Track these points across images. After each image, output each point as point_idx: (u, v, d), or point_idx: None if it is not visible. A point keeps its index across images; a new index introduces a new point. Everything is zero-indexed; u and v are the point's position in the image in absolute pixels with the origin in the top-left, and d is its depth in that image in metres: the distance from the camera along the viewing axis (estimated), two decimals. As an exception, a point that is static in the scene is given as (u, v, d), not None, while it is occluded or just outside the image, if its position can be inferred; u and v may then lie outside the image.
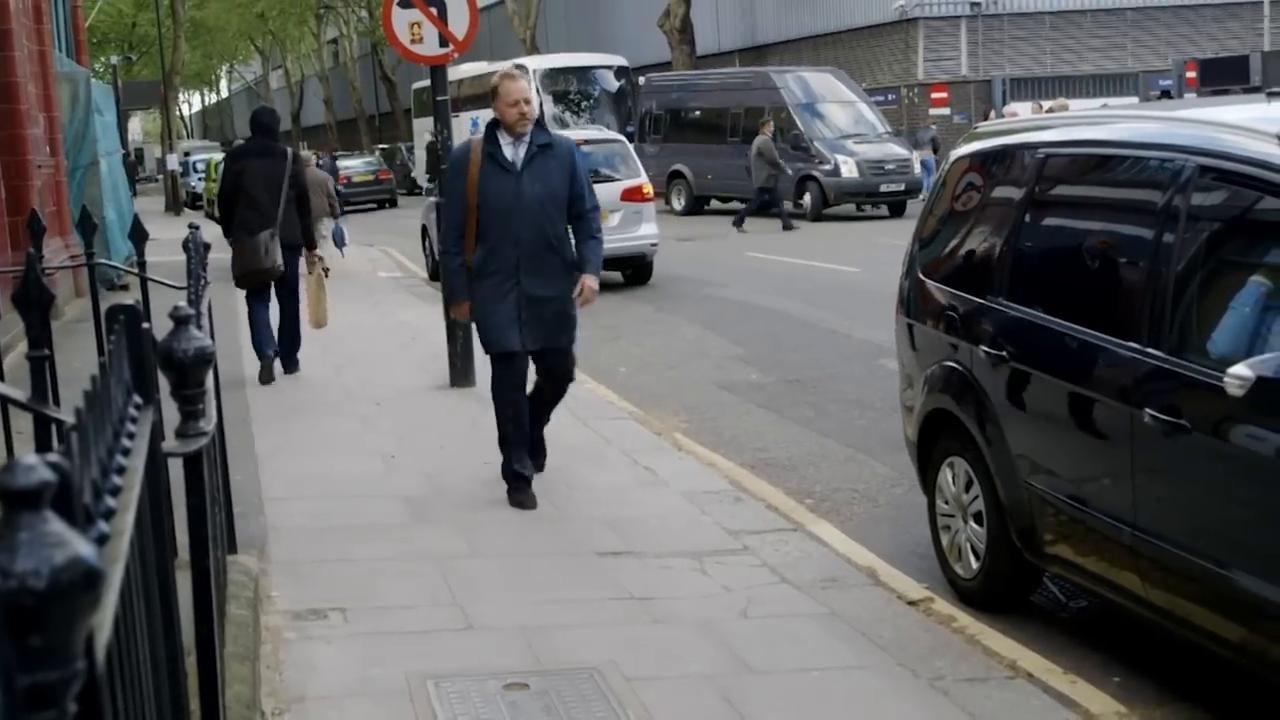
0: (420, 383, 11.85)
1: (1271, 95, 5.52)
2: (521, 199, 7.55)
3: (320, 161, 28.43)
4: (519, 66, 7.95)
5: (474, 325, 8.10)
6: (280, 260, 11.91)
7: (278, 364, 12.37)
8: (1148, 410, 4.83)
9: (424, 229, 20.80)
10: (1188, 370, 4.74)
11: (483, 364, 11.85)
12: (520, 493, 7.85)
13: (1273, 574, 4.42)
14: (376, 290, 19.74)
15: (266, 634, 5.82)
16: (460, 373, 11.54)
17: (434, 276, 18.85)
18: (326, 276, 13.25)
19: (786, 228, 27.22)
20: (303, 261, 12.56)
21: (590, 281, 7.72)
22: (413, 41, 11.40)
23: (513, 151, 7.65)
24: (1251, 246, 4.99)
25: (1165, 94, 30.35)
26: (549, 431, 8.46)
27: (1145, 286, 5.05)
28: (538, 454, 8.29)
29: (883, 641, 5.73)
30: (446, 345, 11.67)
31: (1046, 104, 28.87)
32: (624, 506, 7.82)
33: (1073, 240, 6.05)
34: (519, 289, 7.61)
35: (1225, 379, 4.25)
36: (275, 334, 12.34)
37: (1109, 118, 6.38)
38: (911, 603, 6.22)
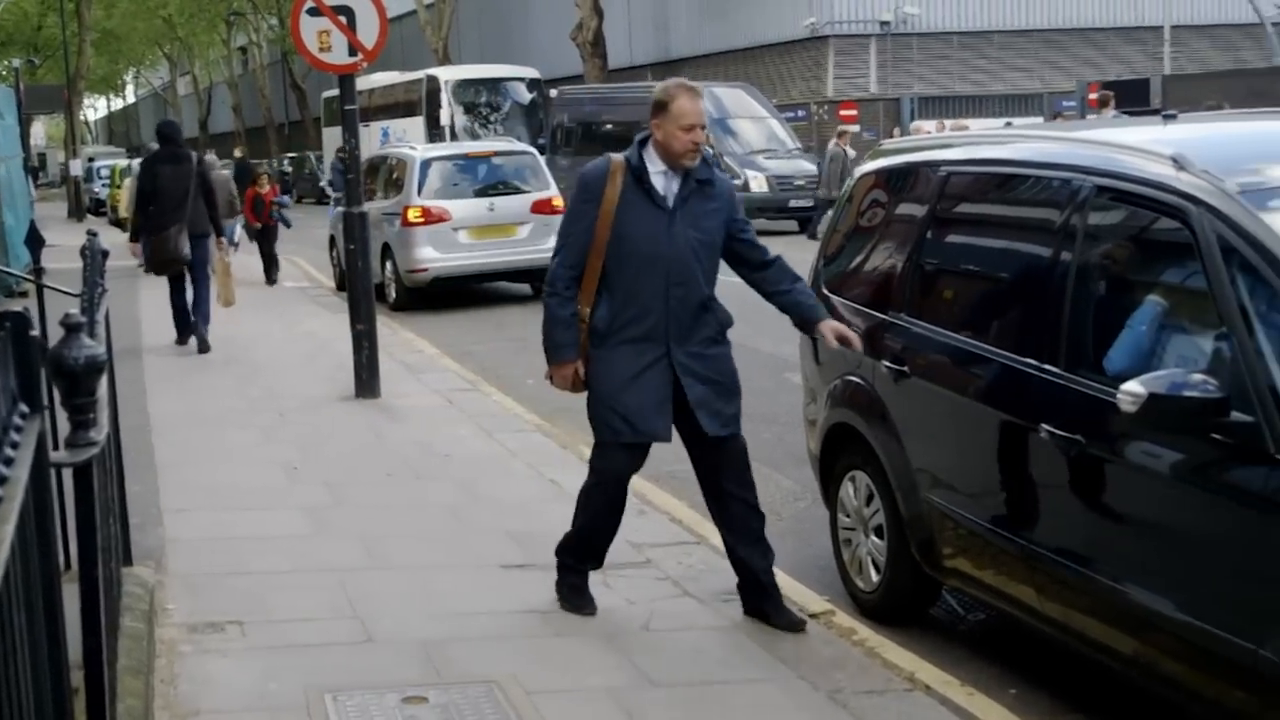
0: (325, 393, 11.75)
1: (1167, 118, 5.62)
2: (674, 245, 5.87)
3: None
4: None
5: (591, 402, 6.08)
6: (188, 250, 14.09)
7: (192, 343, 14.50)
8: (1044, 426, 4.89)
9: (331, 239, 20.65)
10: (1083, 387, 4.80)
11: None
12: (581, 596, 6.31)
13: (1164, 588, 4.48)
14: (283, 300, 19.57)
15: (161, 647, 5.73)
16: (365, 384, 11.48)
17: (341, 286, 18.73)
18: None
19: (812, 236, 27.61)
20: (212, 247, 14.74)
21: (836, 324, 6.09)
22: (321, 50, 11.34)
23: (664, 184, 5.94)
24: (1146, 265, 5.07)
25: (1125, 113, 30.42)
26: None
27: (1043, 304, 5.11)
28: (771, 597, 6.16)
29: (783, 654, 5.75)
30: (352, 356, 11.59)
31: (949, 123, 29.25)
32: (529, 519, 7.79)
33: (973, 257, 6.12)
34: (668, 360, 5.90)
35: (1118, 395, 4.30)
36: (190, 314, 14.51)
37: (1012, 137, 6.47)
38: (813, 615, 6.23)
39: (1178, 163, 4.62)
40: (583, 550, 6.28)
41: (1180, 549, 4.46)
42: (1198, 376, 4.22)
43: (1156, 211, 4.73)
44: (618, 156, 6.04)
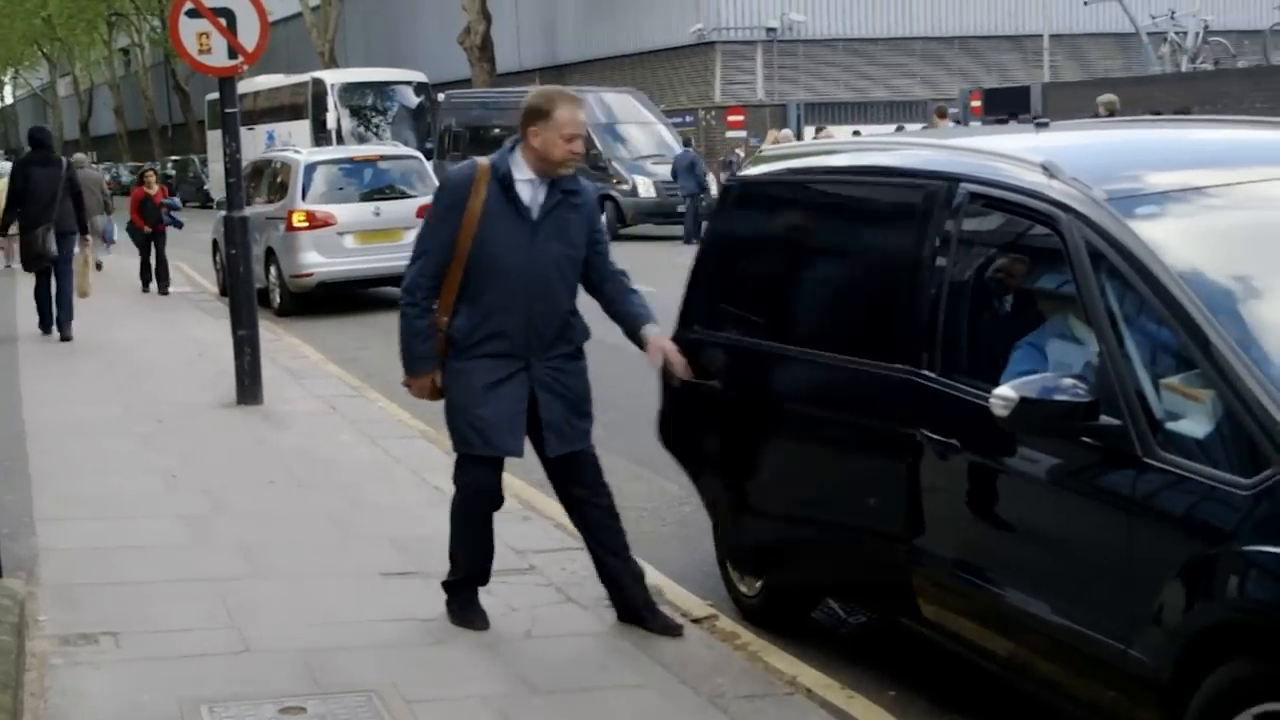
0: (206, 399, 11.59)
1: (1039, 125, 5.70)
2: (536, 259, 5.72)
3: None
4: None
5: (448, 413, 5.97)
6: (54, 248, 15.00)
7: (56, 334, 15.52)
8: (920, 431, 4.93)
9: (214, 243, 20.38)
10: (957, 391, 4.84)
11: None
12: (471, 611, 6.15)
13: (1038, 589, 4.54)
14: (164, 305, 19.28)
15: (32, 660, 5.61)
16: (247, 390, 11.33)
17: (224, 291, 18.49)
18: (99, 269, 17.01)
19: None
20: (76, 244, 15.77)
21: (665, 340, 6.09)
22: (201, 52, 11.17)
23: (531, 193, 5.76)
24: (1018, 272, 5.13)
25: (1010, 117, 30.48)
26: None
27: (919, 310, 5.12)
28: (646, 603, 6.15)
29: (665, 660, 5.74)
30: (234, 361, 11.43)
31: (825, 130, 29.60)
32: (411, 526, 7.73)
33: (849, 266, 6.07)
34: (528, 375, 5.80)
35: (990, 400, 4.34)
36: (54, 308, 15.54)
37: (893, 144, 6.50)
38: (695, 620, 6.23)
39: (1048, 170, 4.68)
40: (465, 569, 6.12)
41: (1053, 551, 4.52)
42: (1068, 381, 4.28)
43: (1028, 218, 4.79)
44: (484, 161, 5.83)
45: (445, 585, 6.20)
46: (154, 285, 20.60)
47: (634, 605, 6.11)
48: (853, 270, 5.98)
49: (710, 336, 6.39)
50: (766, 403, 6.05)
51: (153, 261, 20.60)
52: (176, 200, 22.98)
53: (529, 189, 5.77)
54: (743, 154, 33.50)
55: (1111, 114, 17.80)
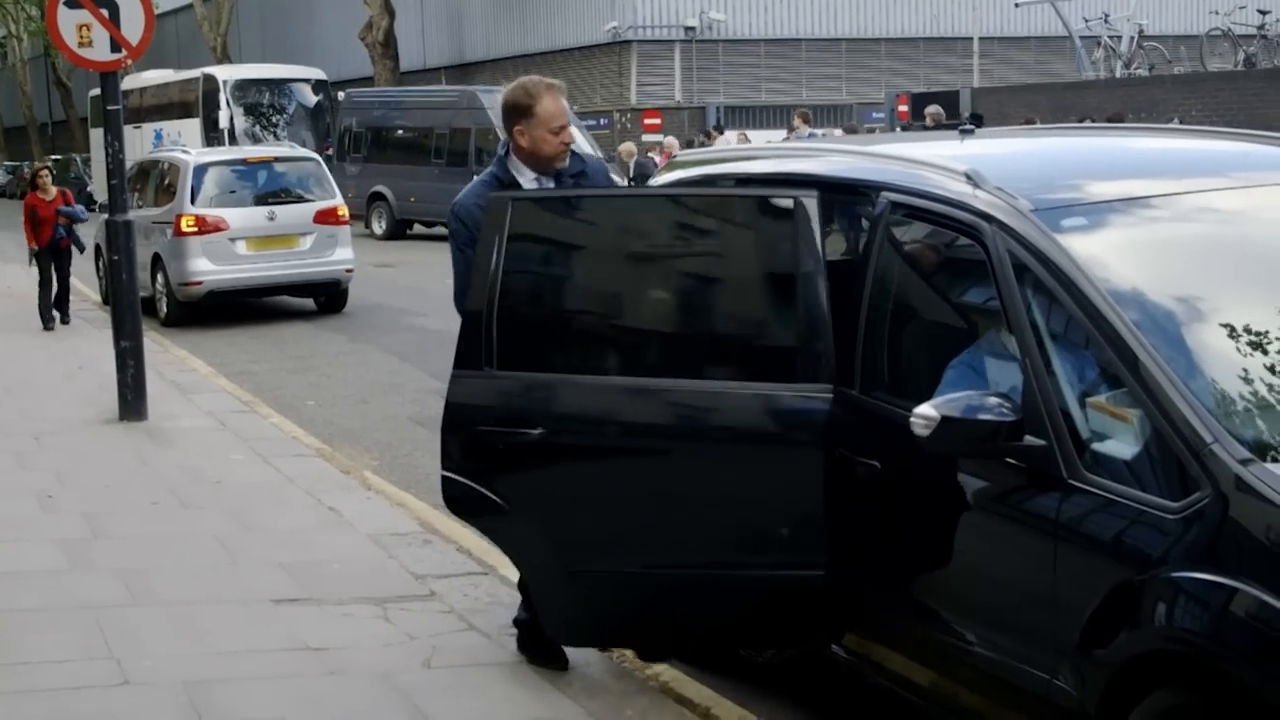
0: (86, 415, 11.48)
1: (964, 133, 5.75)
2: None
3: None
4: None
5: None
6: None
7: None
8: (839, 451, 4.93)
9: (97, 248, 20.12)
10: (877, 410, 4.86)
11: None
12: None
13: (962, 618, 4.57)
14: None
15: (-108, 695, 5.52)
16: (130, 406, 11.23)
17: (106, 300, 18.27)
18: None
19: None
20: None
21: None
22: (81, 45, 11.08)
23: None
24: (942, 285, 5.17)
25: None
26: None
27: (837, 326, 5.08)
28: None
29: (572, 691, 5.74)
30: (116, 375, 11.32)
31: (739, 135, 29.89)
32: (304, 550, 7.69)
33: (749, 283, 5.63)
34: None
35: (912, 419, 4.35)
36: None
37: (819, 151, 6.50)
38: (605, 649, 6.23)
39: (972, 179, 4.71)
40: None
41: (976, 578, 4.55)
42: (993, 399, 4.29)
43: (951, 229, 4.82)
44: (484, 180, 5.77)
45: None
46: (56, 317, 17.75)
47: None
48: (754, 287, 5.59)
49: (517, 377, 5.47)
50: (624, 446, 5.40)
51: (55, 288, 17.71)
52: (78, 210, 18.27)
53: (537, 189, 5.74)
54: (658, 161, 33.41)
55: (937, 125, 18.47)
